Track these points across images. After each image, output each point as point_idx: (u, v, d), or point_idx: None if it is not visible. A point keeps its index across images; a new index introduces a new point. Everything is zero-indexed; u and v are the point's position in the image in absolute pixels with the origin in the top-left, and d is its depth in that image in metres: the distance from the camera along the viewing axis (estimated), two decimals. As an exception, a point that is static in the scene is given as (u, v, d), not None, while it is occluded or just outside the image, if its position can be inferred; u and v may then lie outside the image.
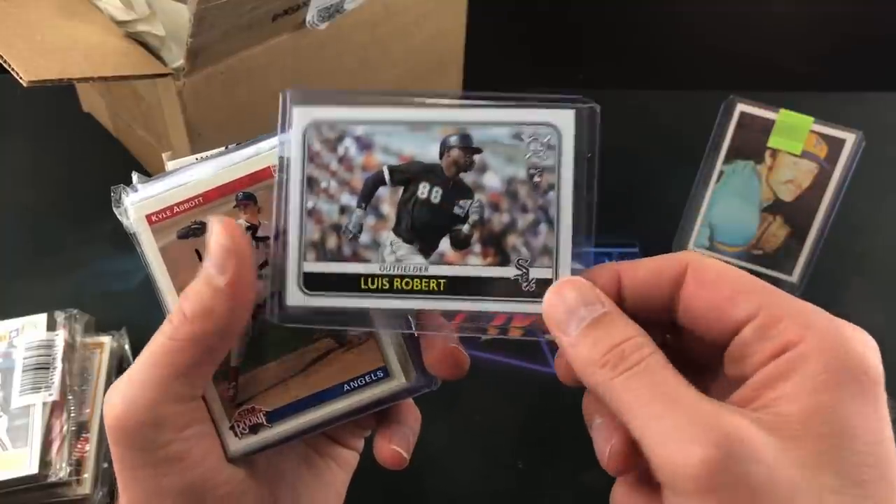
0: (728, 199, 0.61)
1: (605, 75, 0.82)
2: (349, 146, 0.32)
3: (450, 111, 0.32)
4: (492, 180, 0.32)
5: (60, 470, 0.48)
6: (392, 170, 0.32)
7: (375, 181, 0.32)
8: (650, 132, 0.71)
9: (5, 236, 0.66)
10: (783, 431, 0.24)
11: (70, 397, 0.50)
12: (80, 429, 0.51)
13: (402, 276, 0.32)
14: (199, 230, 0.32)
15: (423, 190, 0.32)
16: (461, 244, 0.32)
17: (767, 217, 0.60)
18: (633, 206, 0.64)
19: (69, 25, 0.54)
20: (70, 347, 0.52)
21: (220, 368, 0.32)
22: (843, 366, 0.25)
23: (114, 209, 0.33)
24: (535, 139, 0.32)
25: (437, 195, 0.32)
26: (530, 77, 0.84)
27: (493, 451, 0.54)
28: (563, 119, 0.32)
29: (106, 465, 0.51)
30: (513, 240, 0.32)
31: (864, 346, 0.26)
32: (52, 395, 0.50)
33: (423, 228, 0.32)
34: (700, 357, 0.30)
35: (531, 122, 0.32)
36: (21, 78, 0.47)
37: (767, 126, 0.60)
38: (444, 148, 0.32)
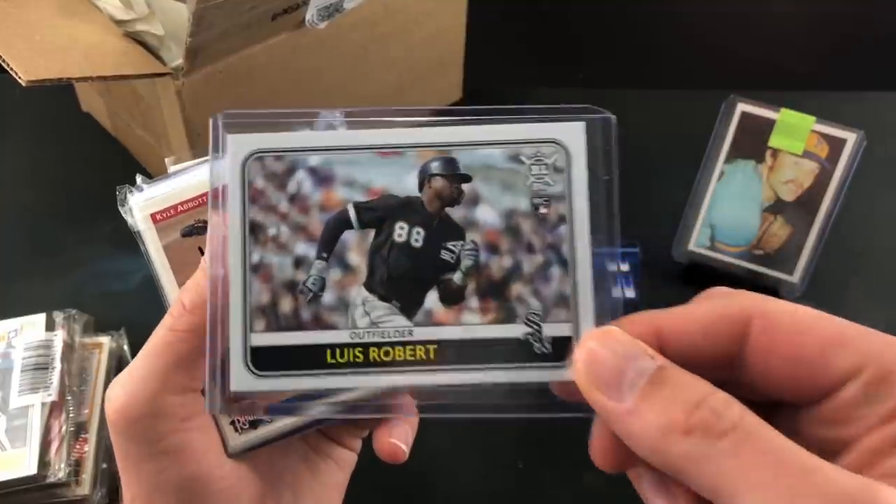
0: (729, 199, 0.61)
1: (605, 75, 0.82)
2: (302, 180, 0.26)
3: (428, 130, 0.26)
4: (487, 215, 0.26)
5: (59, 470, 0.48)
6: (359, 208, 0.26)
7: (339, 223, 0.26)
8: (650, 132, 0.71)
9: (4, 236, 0.66)
10: None
11: (69, 398, 0.50)
12: (79, 429, 0.51)
13: (379, 344, 0.25)
14: (202, 228, 0.32)
15: (400, 231, 0.26)
16: (453, 298, 0.26)
17: (768, 217, 0.60)
18: (633, 206, 0.63)
19: (68, 25, 0.54)
20: (69, 348, 0.52)
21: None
22: None
23: (119, 208, 0.32)
24: (539, 161, 0.26)
25: (418, 237, 0.26)
26: (530, 77, 0.84)
27: (492, 450, 0.54)
28: (572, 134, 0.26)
29: (105, 465, 0.51)
30: (518, 289, 0.26)
31: None
32: (51, 395, 0.49)
33: (403, 280, 0.26)
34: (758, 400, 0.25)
35: (532, 140, 0.26)
36: (20, 77, 0.47)
37: (768, 126, 0.60)
38: (424, 177, 0.26)
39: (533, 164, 0.26)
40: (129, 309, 0.60)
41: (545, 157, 0.26)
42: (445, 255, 0.26)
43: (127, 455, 0.30)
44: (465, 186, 0.26)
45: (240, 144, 0.26)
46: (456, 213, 0.26)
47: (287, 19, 0.55)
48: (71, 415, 0.50)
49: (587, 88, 0.78)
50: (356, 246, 0.26)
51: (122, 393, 0.29)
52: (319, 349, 0.25)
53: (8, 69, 0.47)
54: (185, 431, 0.30)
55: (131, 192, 0.32)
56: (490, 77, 0.76)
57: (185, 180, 0.32)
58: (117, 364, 0.55)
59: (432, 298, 0.26)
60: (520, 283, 0.26)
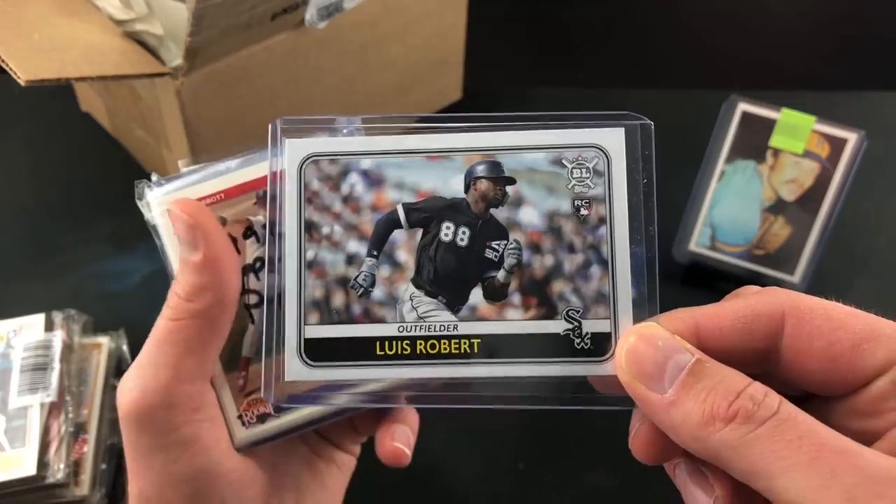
0: (730, 199, 0.61)
1: (605, 75, 0.82)
2: (355, 183, 0.28)
3: (474, 136, 0.28)
4: (530, 216, 0.27)
5: (58, 471, 0.47)
6: (408, 209, 0.28)
7: (389, 223, 0.28)
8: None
9: (2, 236, 0.65)
10: None
11: (68, 398, 0.50)
12: (79, 430, 0.50)
13: (426, 338, 0.27)
14: (221, 222, 0.32)
15: (446, 231, 0.27)
16: (496, 295, 0.27)
17: (769, 217, 0.60)
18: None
19: (67, 24, 0.54)
20: (68, 348, 0.52)
21: (232, 358, 0.32)
22: None
23: (136, 202, 0.33)
24: (580, 164, 0.27)
25: (464, 237, 0.27)
26: (530, 76, 0.84)
27: (493, 451, 0.54)
28: (612, 139, 0.27)
29: (104, 466, 0.51)
30: (559, 286, 0.27)
31: None
32: (50, 395, 0.49)
33: (449, 278, 0.27)
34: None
35: (573, 145, 0.27)
36: (19, 77, 0.47)
37: (769, 125, 0.60)
38: (470, 179, 0.27)
39: (574, 168, 0.27)
40: (129, 309, 0.60)
41: (586, 161, 0.27)
42: (490, 254, 0.27)
43: (138, 447, 0.30)
44: (508, 189, 0.27)
45: (297, 149, 0.28)
46: (500, 214, 0.27)
47: (287, 19, 0.55)
48: (70, 415, 0.50)
49: (587, 88, 0.78)
50: (405, 244, 0.27)
51: (134, 385, 0.30)
52: (369, 342, 0.27)
53: (7, 69, 0.47)
54: (196, 423, 0.30)
55: (150, 186, 0.33)
56: (490, 77, 0.76)
57: (204, 177, 0.32)
58: (116, 364, 0.55)
59: (477, 295, 0.27)
60: (561, 280, 0.27)
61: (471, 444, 0.54)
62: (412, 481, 0.52)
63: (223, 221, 0.32)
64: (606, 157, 0.27)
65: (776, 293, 0.25)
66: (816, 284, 0.59)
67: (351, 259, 0.27)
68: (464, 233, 0.27)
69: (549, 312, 0.27)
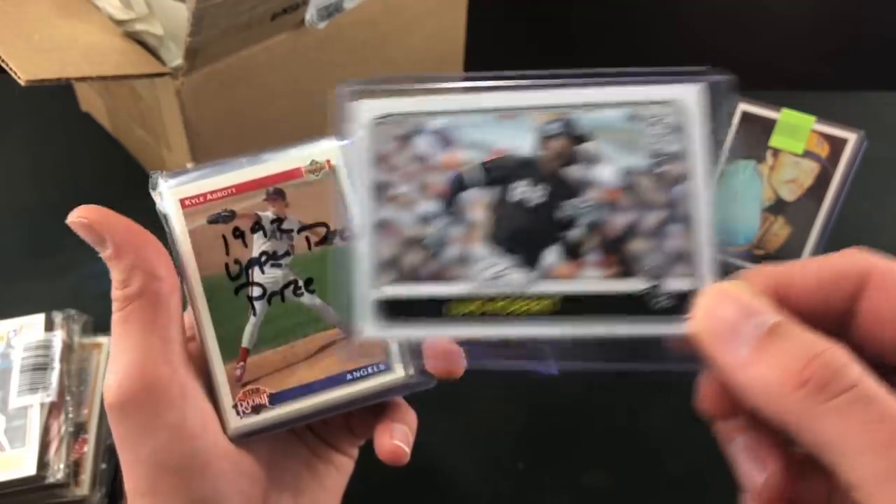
0: (729, 199, 0.61)
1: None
2: (426, 143, 0.27)
3: (546, 93, 0.28)
4: (605, 173, 0.27)
5: (58, 471, 0.47)
6: (481, 168, 0.27)
7: (461, 182, 0.27)
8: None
9: (3, 236, 0.65)
10: None
11: (68, 398, 0.50)
12: (79, 430, 0.50)
13: (499, 297, 0.27)
14: (228, 217, 0.33)
15: (521, 190, 0.27)
16: (572, 253, 0.26)
17: (769, 217, 0.60)
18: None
19: (67, 25, 0.54)
20: (68, 348, 0.52)
21: (230, 347, 0.33)
22: None
23: (150, 191, 0.34)
24: (657, 121, 0.27)
25: (537, 195, 0.27)
26: (530, 76, 0.84)
27: (492, 451, 0.54)
28: (690, 95, 0.27)
29: (104, 465, 0.51)
30: (637, 245, 0.26)
31: None
32: (50, 395, 0.49)
33: (523, 237, 0.27)
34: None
35: (650, 101, 0.27)
36: (19, 77, 0.47)
37: (769, 125, 0.60)
38: (544, 137, 0.27)
39: (650, 125, 0.27)
40: (129, 309, 0.60)
41: (663, 117, 0.27)
42: (565, 213, 0.27)
43: (126, 438, 0.30)
44: (582, 146, 0.27)
45: (367, 110, 0.28)
46: (574, 172, 0.27)
47: (287, 19, 0.55)
48: (70, 415, 0.50)
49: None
50: (478, 203, 0.27)
51: (111, 379, 0.30)
52: (442, 301, 0.27)
53: (7, 69, 0.47)
54: (179, 408, 0.31)
55: (164, 177, 0.34)
56: (490, 77, 0.76)
57: (216, 171, 0.34)
58: (117, 364, 0.55)
59: (552, 254, 0.27)
60: (639, 239, 0.26)
61: (471, 444, 0.54)
62: (411, 481, 0.52)
63: (232, 214, 0.33)
64: (685, 112, 0.27)
65: (861, 254, 0.25)
66: (816, 284, 0.59)
67: (423, 219, 0.27)
68: (538, 191, 0.27)
69: (628, 271, 0.26)
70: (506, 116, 0.27)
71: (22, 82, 0.47)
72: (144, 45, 0.55)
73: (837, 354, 0.21)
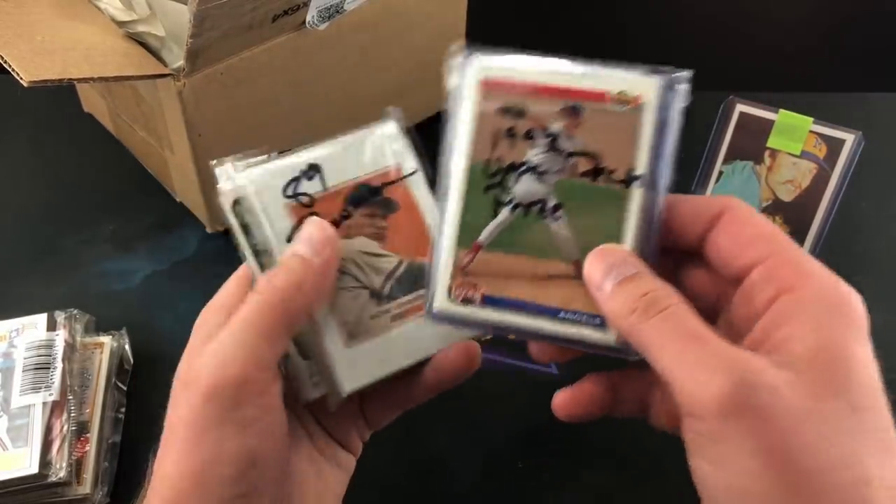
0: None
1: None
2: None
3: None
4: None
5: (61, 470, 0.48)
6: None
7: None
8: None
9: (5, 236, 0.66)
10: (793, 367, 0.28)
11: (70, 397, 0.51)
12: (81, 429, 0.51)
13: None
14: (518, 115, 0.33)
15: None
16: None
17: (767, 217, 0.61)
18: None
19: (69, 26, 0.54)
20: (70, 347, 0.53)
21: (466, 236, 0.34)
22: (840, 310, 0.29)
23: (443, 66, 0.34)
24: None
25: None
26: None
27: (492, 450, 0.54)
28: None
29: (106, 464, 0.51)
30: None
31: (851, 292, 0.30)
32: (53, 394, 0.50)
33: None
34: (716, 302, 0.34)
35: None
36: (21, 78, 0.47)
37: (767, 126, 0.60)
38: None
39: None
40: (131, 309, 0.60)
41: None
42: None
43: (199, 421, 0.31)
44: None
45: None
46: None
47: (288, 20, 0.55)
48: (72, 414, 0.50)
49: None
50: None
51: (212, 360, 0.31)
52: None
53: (9, 69, 0.48)
54: (258, 406, 0.32)
55: (475, 55, 0.34)
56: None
57: (525, 63, 0.33)
58: (119, 364, 0.56)
59: None
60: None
61: (471, 444, 0.54)
62: (412, 480, 0.53)
63: (522, 114, 0.33)
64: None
65: (731, 198, 0.33)
66: (814, 284, 0.60)
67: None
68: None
69: None
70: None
71: (24, 83, 0.47)
72: (146, 46, 0.55)
73: (663, 292, 0.30)
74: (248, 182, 0.35)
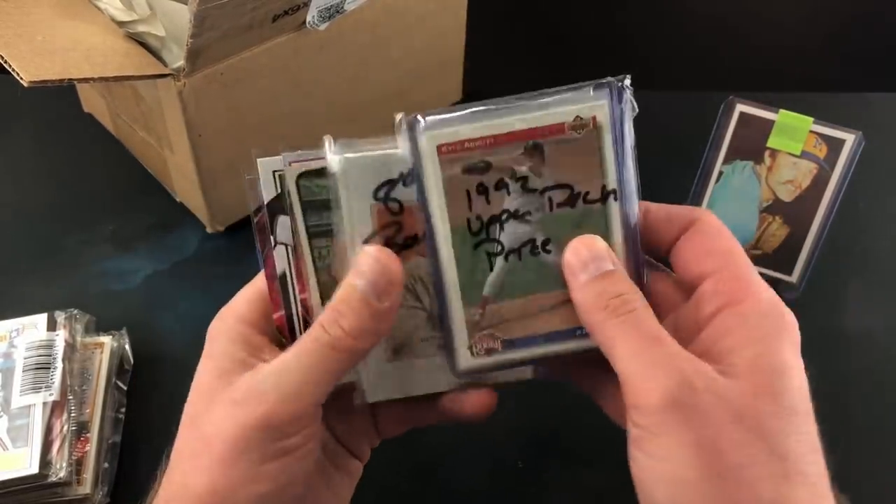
0: (727, 200, 0.61)
1: (604, 75, 0.83)
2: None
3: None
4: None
5: (61, 470, 0.48)
6: None
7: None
8: (649, 132, 0.71)
9: (5, 236, 0.66)
10: (733, 373, 0.30)
11: (70, 397, 0.51)
12: (81, 429, 0.51)
13: None
14: (483, 169, 0.34)
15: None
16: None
17: (767, 217, 0.61)
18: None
19: (70, 26, 0.54)
20: (70, 347, 0.53)
21: (471, 294, 0.35)
22: (776, 324, 0.32)
23: (396, 133, 0.34)
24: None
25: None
26: (530, 78, 0.84)
27: (492, 450, 0.54)
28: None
29: (106, 464, 0.51)
30: None
31: (787, 310, 0.32)
32: (53, 395, 0.50)
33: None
34: (670, 305, 0.36)
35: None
36: (21, 78, 0.47)
37: (767, 126, 0.60)
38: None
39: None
40: (131, 309, 0.60)
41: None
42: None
43: (236, 443, 0.31)
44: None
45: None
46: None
47: (288, 21, 0.55)
48: (72, 414, 0.50)
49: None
50: None
51: (277, 391, 0.32)
52: None
53: (9, 69, 0.48)
54: (303, 436, 0.32)
55: (419, 121, 0.34)
56: (490, 78, 0.76)
57: (475, 118, 0.34)
58: (119, 364, 0.56)
59: None
60: None
61: (471, 444, 0.54)
62: (412, 480, 0.53)
63: (488, 166, 0.33)
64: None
65: (704, 211, 0.36)
66: (814, 284, 0.59)
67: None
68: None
69: None
70: None
71: (24, 83, 0.47)
72: (146, 46, 0.55)
73: (632, 297, 0.32)
74: (347, 166, 0.33)
